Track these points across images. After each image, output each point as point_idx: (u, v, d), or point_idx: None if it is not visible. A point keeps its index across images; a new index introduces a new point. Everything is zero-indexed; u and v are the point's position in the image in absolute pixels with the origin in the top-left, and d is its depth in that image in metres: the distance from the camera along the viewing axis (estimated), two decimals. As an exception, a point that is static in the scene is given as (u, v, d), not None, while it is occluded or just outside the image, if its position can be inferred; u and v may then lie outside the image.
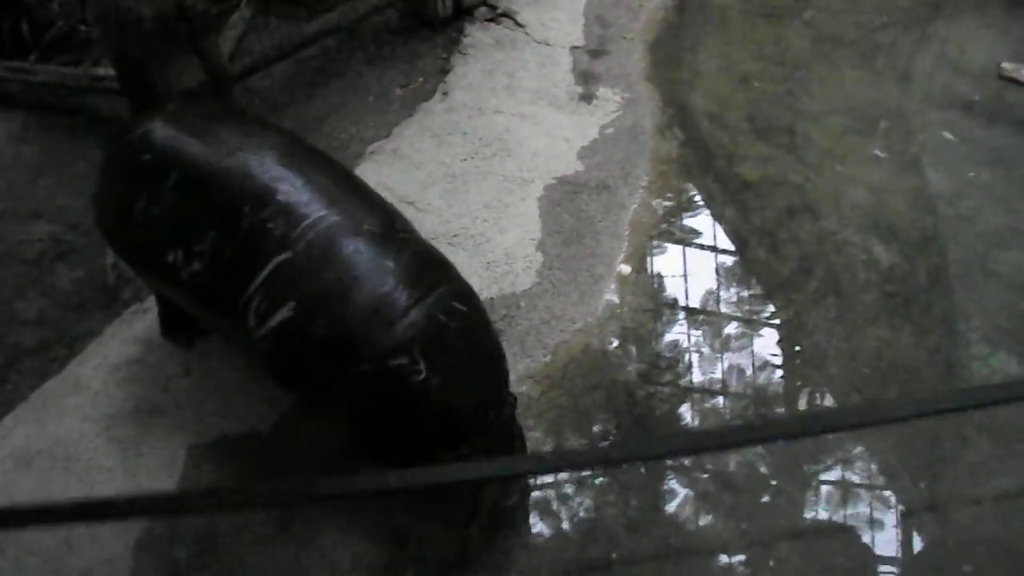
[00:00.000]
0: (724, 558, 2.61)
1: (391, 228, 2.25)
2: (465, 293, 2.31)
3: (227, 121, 2.33)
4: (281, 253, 2.12)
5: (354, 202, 2.25)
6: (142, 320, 2.91)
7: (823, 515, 2.72)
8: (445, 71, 3.67)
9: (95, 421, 2.68)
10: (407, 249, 2.23)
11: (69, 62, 3.61)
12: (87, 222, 3.28)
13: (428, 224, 3.03)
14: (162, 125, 2.27)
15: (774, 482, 2.76)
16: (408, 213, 2.94)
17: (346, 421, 2.31)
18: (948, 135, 3.94)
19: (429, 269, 2.26)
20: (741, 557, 2.62)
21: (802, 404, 2.97)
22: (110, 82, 3.36)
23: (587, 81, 3.65)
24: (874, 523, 2.73)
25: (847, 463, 2.85)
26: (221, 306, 2.22)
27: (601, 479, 2.68)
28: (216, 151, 2.21)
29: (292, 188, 2.16)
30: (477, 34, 3.84)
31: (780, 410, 2.94)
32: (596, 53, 3.85)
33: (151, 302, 2.92)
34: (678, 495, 2.71)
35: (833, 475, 2.81)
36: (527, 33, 3.94)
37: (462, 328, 2.22)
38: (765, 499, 2.73)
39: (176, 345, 2.80)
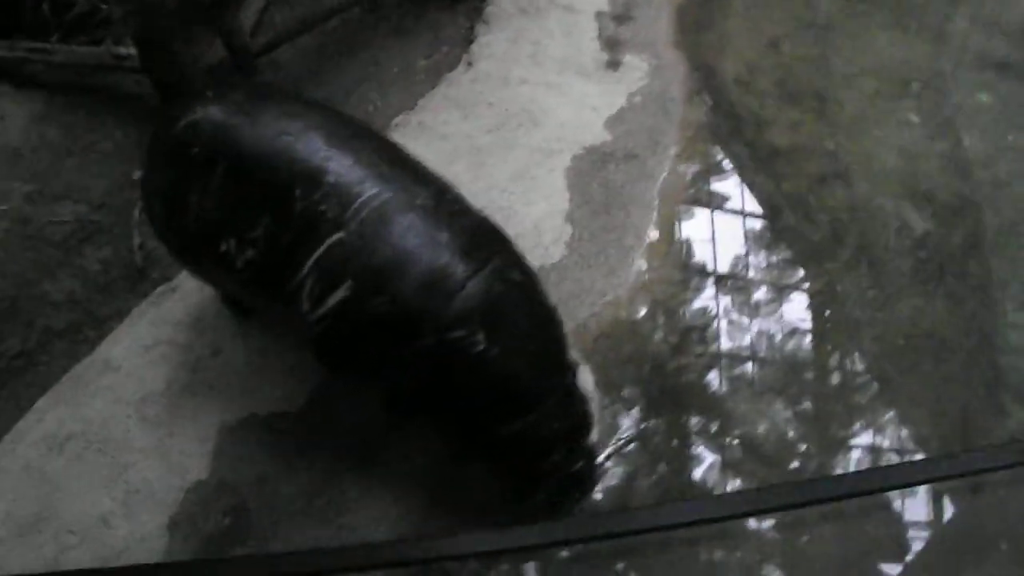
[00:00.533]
0: (755, 526, 2.61)
1: (443, 200, 2.25)
2: (520, 262, 2.32)
3: (268, 102, 2.30)
4: (334, 233, 2.12)
5: (404, 177, 2.24)
6: (171, 300, 2.91)
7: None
8: (469, 41, 3.61)
9: (126, 402, 2.69)
10: (460, 221, 2.24)
11: (90, 41, 3.58)
12: (113, 202, 3.28)
13: (455, 198, 2.99)
14: (205, 114, 2.24)
15: (803, 447, 2.74)
16: (435, 187, 2.92)
17: (402, 397, 2.35)
18: (984, 97, 3.84)
19: (484, 239, 2.26)
20: (772, 528, 2.61)
21: (835, 375, 2.94)
22: (132, 61, 3.34)
23: (613, 48, 3.58)
24: (906, 495, 2.70)
25: (879, 431, 2.82)
26: (274, 291, 2.23)
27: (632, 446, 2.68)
28: (262, 136, 2.19)
29: (341, 168, 2.15)
30: (500, 2, 3.76)
31: (810, 377, 2.91)
32: (622, 19, 3.76)
33: (179, 281, 2.92)
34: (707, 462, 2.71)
35: (864, 442, 2.79)
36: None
37: (519, 297, 2.24)
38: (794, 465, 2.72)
39: (234, 316, 2.82)
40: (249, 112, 2.24)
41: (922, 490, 2.71)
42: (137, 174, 3.34)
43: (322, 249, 2.12)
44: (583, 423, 2.35)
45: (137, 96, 3.51)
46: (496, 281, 2.17)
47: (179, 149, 2.25)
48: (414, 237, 2.13)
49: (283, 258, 2.17)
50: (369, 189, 2.14)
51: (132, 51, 3.28)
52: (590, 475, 2.43)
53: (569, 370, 2.32)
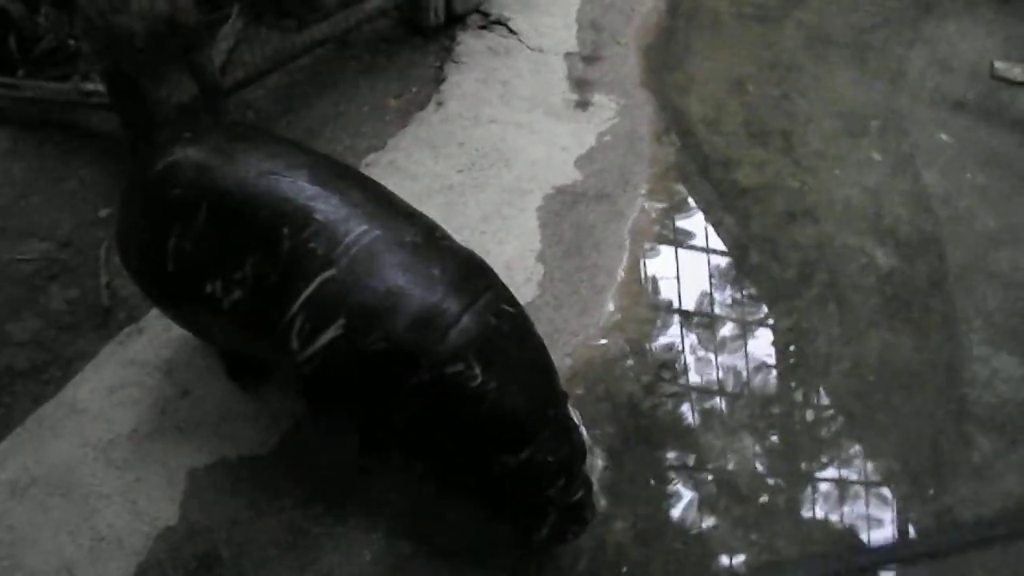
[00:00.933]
0: (727, 562, 2.61)
1: (432, 236, 2.26)
2: (510, 295, 2.32)
3: (249, 143, 2.29)
4: (324, 271, 2.10)
5: (391, 215, 2.24)
6: (137, 341, 2.86)
7: (825, 518, 2.72)
8: (439, 80, 3.64)
9: (93, 446, 2.64)
10: (450, 256, 2.24)
11: (58, 77, 3.56)
12: (80, 240, 3.24)
13: (426, 237, 2.99)
14: (184, 156, 2.22)
15: (772, 482, 2.76)
16: (406, 227, 2.91)
17: (392, 436, 2.31)
18: (942, 135, 3.94)
19: (474, 274, 2.26)
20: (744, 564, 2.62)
21: (804, 410, 2.96)
22: (100, 97, 3.31)
23: (582, 88, 3.63)
24: (876, 525, 2.72)
25: (849, 464, 2.84)
26: (262, 331, 2.20)
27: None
28: (246, 176, 2.17)
29: (329, 206, 2.14)
30: (470, 41, 3.81)
31: (781, 413, 2.92)
32: (590, 59, 3.82)
33: (147, 322, 2.88)
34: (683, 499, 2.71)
35: (832, 476, 2.80)
36: (520, 40, 3.90)
37: (512, 329, 2.24)
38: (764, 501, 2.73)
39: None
40: (230, 152, 2.23)
41: (893, 521, 2.73)
42: (104, 212, 3.30)
43: (312, 287, 2.10)
44: (578, 452, 2.34)
45: (104, 134, 3.49)
46: (490, 314, 2.17)
47: (157, 191, 2.22)
48: (406, 273, 2.12)
49: (272, 297, 2.14)
50: (358, 226, 2.13)
51: (100, 87, 3.26)
52: (589, 504, 2.42)
53: (561, 400, 2.32)
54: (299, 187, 2.15)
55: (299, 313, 2.11)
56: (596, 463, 2.71)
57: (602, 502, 2.62)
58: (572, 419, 2.35)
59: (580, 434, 2.36)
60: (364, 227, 2.13)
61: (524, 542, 2.40)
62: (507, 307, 2.26)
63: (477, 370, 2.10)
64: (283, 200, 2.13)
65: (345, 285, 2.10)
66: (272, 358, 2.37)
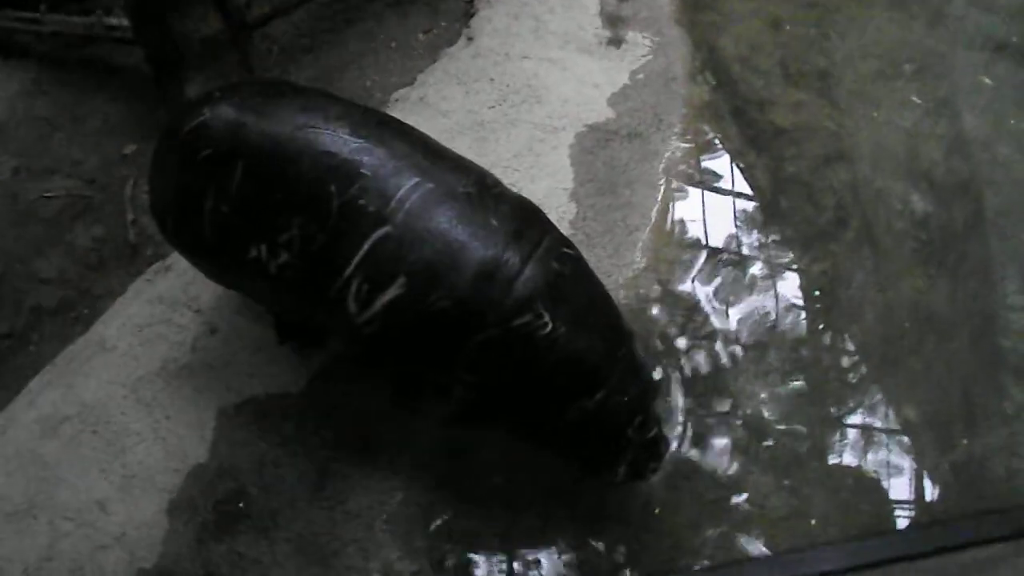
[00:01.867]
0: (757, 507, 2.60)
1: (484, 185, 2.17)
2: (566, 239, 2.27)
3: (282, 97, 2.18)
4: (378, 229, 2.01)
5: (441, 165, 2.14)
6: (165, 278, 2.84)
7: (854, 464, 2.72)
8: (469, 15, 3.55)
9: (122, 384, 2.63)
10: (505, 204, 2.16)
11: (81, 11, 3.49)
12: (105, 178, 3.21)
13: (457, 175, 2.94)
14: (214, 114, 2.12)
15: (802, 427, 2.75)
16: (437, 164, 2.87)
17: (469, 391, 2.21)
18: (983, 78, 3.83)
19: (530, 220, 2.20)
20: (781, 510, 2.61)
21: (838, 356, 2.92)
22: (123, 31, 3.25)
23: (615, 25, 3.53)
24: (905, 473, 2.70)
25: (881, 411, 2.81)
26: (315, 295, 2.12)
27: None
28: (283, 132, 2.07)
29: (376, 159, 2.04)
30: (501, -25, 3.71)
31: (812, 357, 2.89)
32: (623, -5, 3.72)
33: (174, 259, 2.86)
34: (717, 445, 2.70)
35: (862, 422, 2.78)
36: (552, -26, 3.80)
37: (574, 272, 2.19)
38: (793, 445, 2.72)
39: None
40: (262, 108, 2.12)
41: (926, 470, 2.70)
42: (129, 149, 3.28)
43: (367, 246, 2.02)
44: (650, 389, 2.32)
45: (128, 69, 3.44)
46: (552, 260, 2.11)
47: (188, 153, 2.13)
48: (464, 225, 2.05)
49: (322, 259, 2.06)
50: (409, 179, 2.04)
51: (124, 21, 3.20)
52: (664, 439, 2.39)
53: (628, 338, 2.27)
54: (341, 140, 2.05)
55: (355, 274, 2.04)
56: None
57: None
58: (640, 357, 2.31)
59: (650, 371, 2.35)
60: (416, 179, 2.05)
61: (602, 482, 2.38)
62: (567, 250, 2.21)
63: (546, 317, 2.04)
64: (326, 155, 2.04)
65: (402, 242, 2.01)
66: (328, 322, 2.29)
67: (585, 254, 2.81)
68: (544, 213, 2.31)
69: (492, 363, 2.10)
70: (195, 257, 2.38)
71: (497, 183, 2.25)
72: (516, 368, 2.09)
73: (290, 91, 2.25)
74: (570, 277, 2.16)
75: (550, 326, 2.05)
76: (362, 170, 2.02)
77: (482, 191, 2.14)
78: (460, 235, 2.04)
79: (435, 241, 2.02)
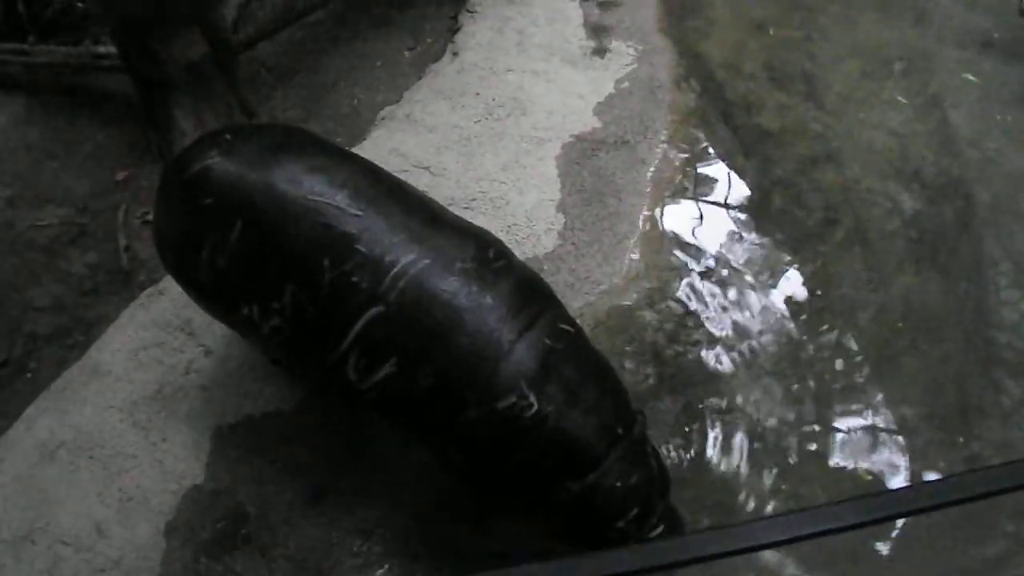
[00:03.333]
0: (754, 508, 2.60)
1: (485, 258, 2.10)
2: (566, 315, 2.20)
3: (289, 153, 2.12)
4: (371, 307, 1.98)
5: (441, 237, 2.08)
6: (159, 302, 2.86)
7: (851, 464, 2.70)
8: (453, 31, 3.58)
9: (118, 408, 2.64)
10: (505, 280, 2.08)
11: (69, 41, 3.53)
12: (97, 204, 3.24)
13: (445, 189, 2.96)
14: (220, 162, 2.07)
15: (798, 428, 2.74)
16: (424, 179, 2.90)
17: (462, 465, 2.16)
18: (969, 75, 3.84)
19: (530, 296, 2.12)
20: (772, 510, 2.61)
21: (833, 357, 2.92)
22: (112, 59, 3.29)
23: (599, 35, 3.56)
24: (903, 472, 2.70)
25: (877, 410, 2.81)
26: (311, 360, 2.12)
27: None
28: (284, 195, 2.03)
29: (373, 233, 2.00)
30: (484, -10, 3.74)
31: (806, 359, 2.88)
32: (606, 5, 3.74)
33: (167, 283, 2.87)
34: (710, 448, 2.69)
35: (858, 422, 2.77)
36: (534, -13, 3.83)
37: (571, 349, 2.10)
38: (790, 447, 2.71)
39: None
40: (268, 164, 2.07)
41: (923, 468, 2.69)
42: (121, 175, 3.30)
43: (361, 324, 1.98)
44: (655, 479, 2.16)
45: (118, 96, 3.47)
46: (544, 339, 2.04)
47: (191, 196, 2.09)
48: (457, 304, 1.99)
49: (316, 330, 2.04)
50: (405, 256, 1.99)
51: (111, 49, 3.23)
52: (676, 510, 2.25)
53: (633, 421, 2.15)
54: (340, 212, 2.00)
55: (352, 349, 2.01)
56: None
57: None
58: (647, 443, 2.19)
59: (658, 459, 2.20)
60: (412, 256, 2.00)
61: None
62: (565, 326, 2.13)
63: (531, 398, 1.97)
64: (323, 227, 1.99)
65: (394, 322, 1.98)
66: (326, 383, 2.27)
67: (574, 264, 2.86)
68: (549, 288, 2.24)
69: (477, 443, 2.04)
70: (191, 293, 2.35)
71: (501, 255, 2.16)
72: (499, 449, 2.02)
73: (299, 145, 2.20)
74: (563, 354, 2.06)
75: (535, 407, 1.97)
76: (357, 245, 1.98)
77: (481, 266, 2.07)
78: (452, 315, 1.99)
79: (426, 321, 1.98)
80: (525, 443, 2.00)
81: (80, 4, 3.59)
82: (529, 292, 2.14)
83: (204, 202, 2.06)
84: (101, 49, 3.33)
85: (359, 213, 2.02)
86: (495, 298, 2.02)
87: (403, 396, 2.05)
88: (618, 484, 2.04)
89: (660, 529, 2.13)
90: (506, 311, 2.02)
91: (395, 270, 1.98)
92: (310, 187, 2.03)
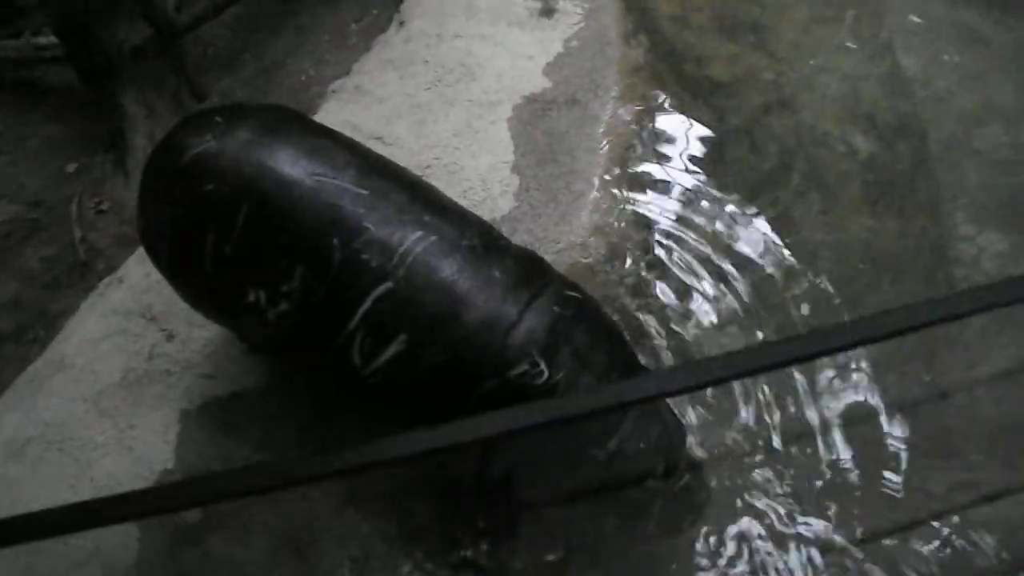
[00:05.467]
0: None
1: (489, 235, 2.13)
2: (572, 283, 2.20)
3: (287, 136, 2.08)
4: (380, 285, 1.96)
5: (444, 217, 2.09)
6: (118, 290, 2.83)
7: (816, 403, 2.71)
8: (399, 0, 3.55)
9: (84, 399, 2.62)
10: (509, 256, 2.11)
11: (8, 35, 3.48)
12: (49, 198, 3.21)
13: (399, 158, 2.87)
14: (216, 145, 2.01)
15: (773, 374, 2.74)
16: (377, 149, 2.85)
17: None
18: (918, 18, 3.86)
19: (535, 270, 2.14)
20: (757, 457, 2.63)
21: (798, 301, 2.94)
22: (54, 50, 3.25)
23: (546, -5, 3.56)
24: (872, 413, 2.71)
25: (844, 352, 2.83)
26: (316, 345, 2.08)
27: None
28: (290, 176, 1.99)
29: (380, 211, 1.99)
30: (428, -41, 3.71)
31: (769, 304, 2.90)
32: (552, -35, 3.73)
33: (125, 270, 2.85)
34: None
35: (829, 365, 2.79)
36: (478, -48, 3.81)
37: (577, 314, 2.10)
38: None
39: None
40: (269, 145, 2.02)
41: (889, 406, 2.72)
42: (71, 167, 3.26)
43: (369, 301, 1.97)
44: (673, 431, 2.19)
45: (63, 88, 3.42)
46: (553, 306, 2.04)
47: (188, 184, 2.02)
48: (465, 279, 1.99)
49: (324, 312, 2.01)
50: (412, 232, 1.99)
51: (53, 40, 3.19)
52: (702, 486, 2.27)
53: None
54: (347, 191, 1.99)
55: (358, 329, 1.99)
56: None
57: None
58: (663, 401, 2.20)
59: (672, 413, 2.22)
60: (419, 233, 1.99)
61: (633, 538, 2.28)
62: (572, 293, 2.14)
63: (542, 365, 1.97)
64: (332, 206, 1.97)
65: (403, 299, 1.97)
66: (329, 370, 2.23)
67: (531, 224, 2.86)
68: (549, 265, 2.24)
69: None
70: (190, 292, 2.31)
71: (501, 236, 2.20)
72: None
73: (298, 127, 2.16)
74: (572, 319, 2.07)
75: (546, 374, 1.97)
76: (365, 223, 1.97)
77: (486, 243, 2.09)
78: (461, 289, 1.98)
79: (436, 296, 1.97)
80: None
81: (18, -3, 3.54)
82: (533, 265, 2.16)
83: (205, 188, 2.00)
84: (42, 40, 3.29)
85: (365, 192, 2.00)
86: (502, 272, 2.03)
87: (411, 375, 2.02)
88: (641, 444, 2.06)
89: (686, 479, 2.19)
90: (514, 282, 2.03)
91: (403, 247, 1.97)
92: (314, 167, 2.01)
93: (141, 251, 2.86)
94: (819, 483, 2.54)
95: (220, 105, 2.12)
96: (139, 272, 2.79)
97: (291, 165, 2.00)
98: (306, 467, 1.28)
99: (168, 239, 2.14)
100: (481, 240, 2.09)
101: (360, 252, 1.96)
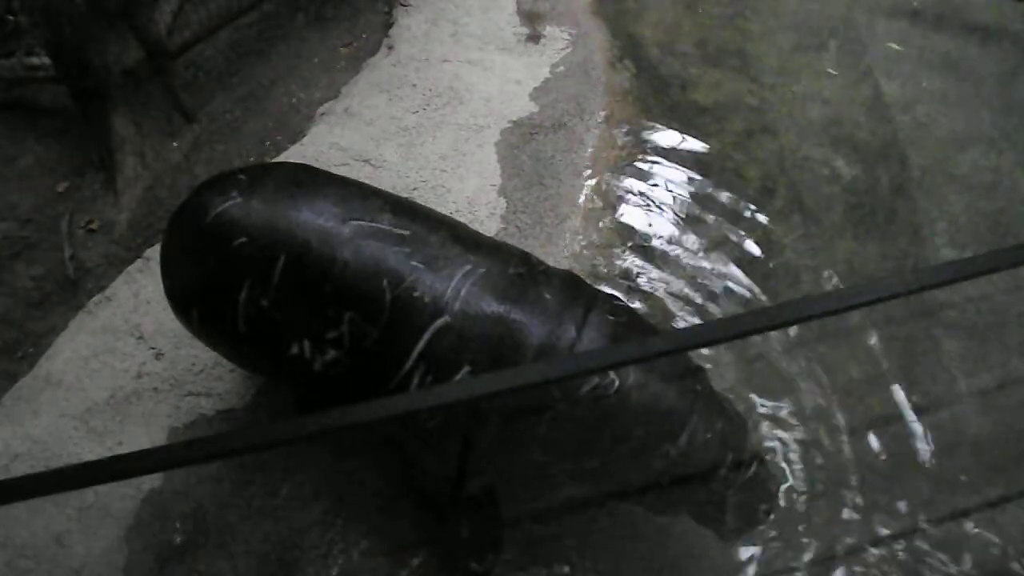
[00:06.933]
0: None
1: (530, 262, 2.13)
2: (614, 294, 2.21)
3: (316, 186, 2.07)
4: (436, 320, 1.95)
5: (485, 250, 2.09)
6: (107, 308, 2.85)
7: (802, 422, 2.73)
8: (388, 25, 3.60)
9: (72, 416, 2.64)
10: (555, 276, 2.11)
11: (1, 55, 3.51)
12: (40, 217, 3.22)
13: (387, 180, 2.98)
14: (244, 201, 2.00)
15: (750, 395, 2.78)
16: (365, 171, 2.92)
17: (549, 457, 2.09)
18: (895, 46, 3.93)
19: (579, 287, 2.13)
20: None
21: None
22: (47, 71, 3.28)
23: (533, 21, 3.60)
24: (856, 430, 2.75)
25: (825, 369, 2.86)
26: (370, 388, 2.00)
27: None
28: (326, 224, 1.98)
29: (424, 251, 1.99)
30: (417, -16, 3.76)
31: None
32: (540, -8, 3.79)
33: (114, 290, 2.87)
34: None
35: (808, 388, 2.82)
36: (467, -22, 3.86)
37: (632, 321, 2.12)
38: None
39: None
40: (298, 196, 2.00)
41: (871, 423, 2.74)
42: (62, 186, 3.28)
43: (427, 337, 1.95)
44: (736, 422, 2.17)
45: (55, 108, 3.45)
46: (608, 316, 2.04)
47: (217, 240, 2.00)
48: (520, 306, 1.99)
49: (377, 355, 1.98)
50: (461, 267, 1.99)
51: (45, 60, 3.22)
52: (770, 475, 2.25)
53: (700, 373, 2.17)
54: (388, 233, 1.98)
55: (416, 367, 1.96)
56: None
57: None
58: (716, 392, 2.20)
59: (731, 404, 2.22)
60: (467, 267, 2.00)
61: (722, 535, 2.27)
62: (619, 302, 2.14)
63: (612, 375, 1.96)
64: (375, 248, 1.96)
65: (462, 331, 1.95)
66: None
67: (518, 246, 2.87)
68: (585, 280, 2.23)
69: (569, 433, 2.00)
70: (223, 348, 2.28)
71: (540, 261, 2.18)
72: (595, 433, 2.00)
73: (323, 178, 2.14)
74: (628, 326, 2.08)
75: (616, 382, 1.96)
76: (413, 262, 1.97)
77: (531, 270, 2.09)
78: (518, 316, 1.98)
79: (494, 326, 1.96)
80: (616, 420, 1.98)
81: (11, 18, 3.56)
82: (575, 282, 2.15)
83: (234, 244, 1.98)
84: (35, 60, 3.31)
85: (406, 232, 2.00)
86: (551, 294, 2.03)
87: (480, 408, 1.97)
88: (708, 436, 2.05)
89: (755, 468, 2.15)
90: (565, 302, 2.03)
91: (454, 281, 1.97)
92: (349, 214, 1.99)
93: (130, 270, 2.89)
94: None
95: (239, 167, 2.10)
96: (128, 291, 2.81)
97: (325, 214, 1.99)
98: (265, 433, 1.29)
99: (198, 300, 2.12)
100: (525, 267, 2.09)
101: (412, 291, 1.95)
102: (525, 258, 2.14)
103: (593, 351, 1.93)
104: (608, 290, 2.84)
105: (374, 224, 1.99)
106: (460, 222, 2.24)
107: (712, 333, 1.39)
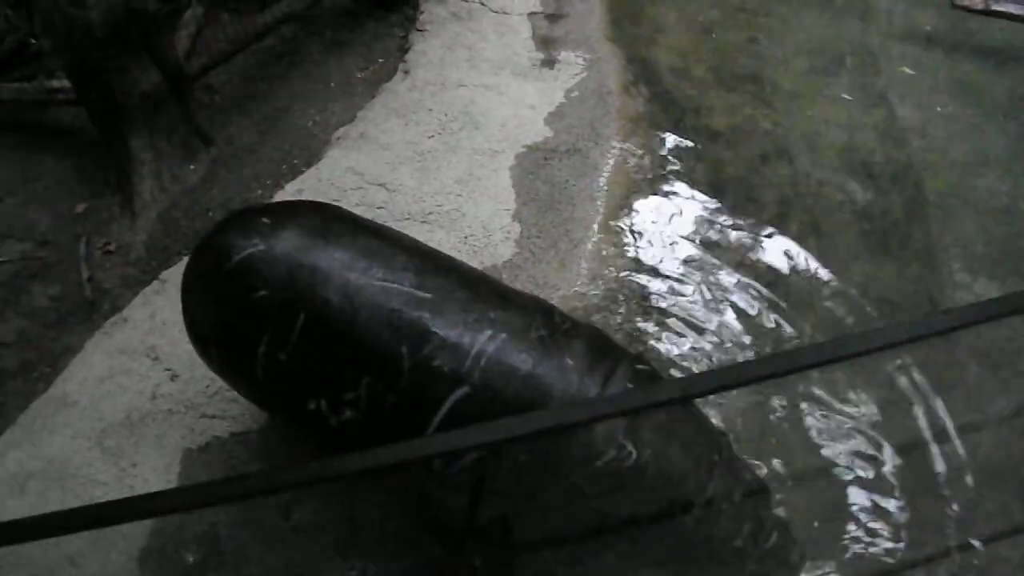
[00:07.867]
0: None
1: (553, 323, 2.07)
2: (639, 357, 2.16)
3: (337, 236, 2.03)
4: (456, 389, 1.91)
5: (508, 309, 2.04)
6: (123, 330, 2.87)
7: (821, 449, 2.71)
8: (404, 50, 3.64)
9: (87, 436, 2.65)
10: (577, 339, 2.06)
11: (23, 77, 3.56)
12: (58, 238, 3.25)
13: (402, 205, 3.00)
14: (266, 250, 1.96)
15: (772, 418, 2.77)
16: (380, 195, 2.93)
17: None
18: (909, 70, 3.94)
19: (603, 349, 2.08)
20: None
21: (792, 346, 2.96)
22: (66, 93, 3.32)
23: (548, 46, 3.63)
24: (872, 455, 2.73)
25: (842, 396, 2.85)
26: None
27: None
28: (348, 282, 1.94)
29: (446, 315, 1.94)
30: (433, 9, 3.80)
31: (768, 349, 2.92)
32: (554, 17, 3.82)
33: (130, 311, 2.89)
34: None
35: (828, 408, 2.81)
36: (483, 3, 3.89)
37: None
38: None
39: None
40: (320, 249, 1.97)
41: (889, 447, 2.73)
42: (80, 207, 3.31)
43: (448, 406, 1.91)
44: (756, 491, 2.14)
45: (75, 130, 3.49)
46: (626, 384, 2.00)
47: (238, 289, 1.98)
48: (542, 373, 1.94)
49: (395, 419, 1.95)
50: (481, 333, 1.94)
51: (66, 83, 3.26)
52: (791, 545, 2.20)
53: (722, 441, 2.14)
54: (410, 296, 1.94)
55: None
56: None
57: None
58: (738, 459, 2.18)
59: (751, 472, 2.19)
60: (488, 332, 1.95)
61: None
62: (642, 367, 2.09)
63: (629, 447, 1.92)
64: (395, 312, 1.92)
65: (483, 401, 1.91)
66: (410, 476, 2.18)
67: (532, 270, 2.90)
68: (615, 341, 2.20)
69: (581, 505, 1.99)
70: (243, 391, 2.27)
71: (565, 318, 2.13)
72: (612, 501, 1.98)
73: (349, 227, 2.10)
74: None
75: (634, 454, 1.93)
76: (433, 328, 1.93)
77: (553, 331, 2.04)
78: (539, 384, 1.94)
79: (515, 396, 1.92)
80: (632, 492, 1.96)
81: (33, 41, 3.61)
82: (601, 344, 2.11)
83: (257, 295, 1.96)
84: (56, 83, 3.36)
85: (428, 295, 1.96)
86: (574, 358, 1.99)
87: (497, 475, 1.93)
88: (724, 506, 2.03)
89: (774, 538, 2.11)
90: (587, 367, 1.98)
91: (475, 349, 1.93)
92: (373, 272, 1.96)
93: (146, 292, 2.91)
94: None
95: (263, 204, 2.08)
96: (144, 313, 2.82)
97: (349, 270, 1.96)
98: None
99: (218, 342, 2.11)
100: (547, 328, 2.04)
101: (431, 359, 1.91)
102: (549, 316, 2.08)
103: (608, 397, 1.93)
104: (614, 318, 2.88)
105: (396, 285, 1.95)
106: (483, 275, 2.21)
107: (725, 378, 1.38)
